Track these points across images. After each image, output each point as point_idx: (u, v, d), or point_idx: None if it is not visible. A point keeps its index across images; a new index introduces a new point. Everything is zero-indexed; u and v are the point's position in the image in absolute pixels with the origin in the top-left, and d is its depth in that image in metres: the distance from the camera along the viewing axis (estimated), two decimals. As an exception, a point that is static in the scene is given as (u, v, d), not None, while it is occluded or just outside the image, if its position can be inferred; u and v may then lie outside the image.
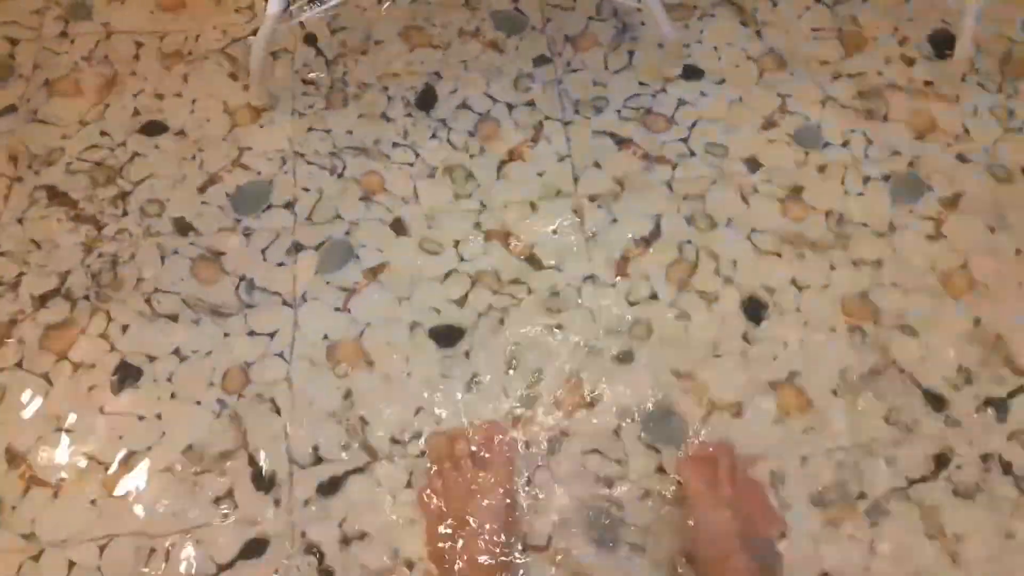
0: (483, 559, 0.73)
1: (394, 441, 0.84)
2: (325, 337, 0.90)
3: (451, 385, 0.87)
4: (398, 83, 1.06)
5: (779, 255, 0.94)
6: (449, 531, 0.76)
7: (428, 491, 0.79)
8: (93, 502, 0.81)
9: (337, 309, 0.91)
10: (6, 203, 0.98)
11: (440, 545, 0.76)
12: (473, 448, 0.80)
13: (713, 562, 0.71)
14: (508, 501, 0.77)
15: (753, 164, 1.00)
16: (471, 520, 0.74)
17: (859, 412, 0.85)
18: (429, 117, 1.04)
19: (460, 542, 0.74)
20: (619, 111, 1.04)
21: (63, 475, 0.83)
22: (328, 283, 0.93)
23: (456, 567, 0.73)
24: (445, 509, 0.77)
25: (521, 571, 0.77)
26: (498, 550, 0.74)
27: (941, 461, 0.83)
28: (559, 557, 0.78)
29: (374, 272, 0.94)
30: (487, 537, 0.74)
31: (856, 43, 1.09)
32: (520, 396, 0.86)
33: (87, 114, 1.05)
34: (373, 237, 0.96)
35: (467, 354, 0.88)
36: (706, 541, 0.73)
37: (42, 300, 0.92)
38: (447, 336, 0.90)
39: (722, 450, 0.79)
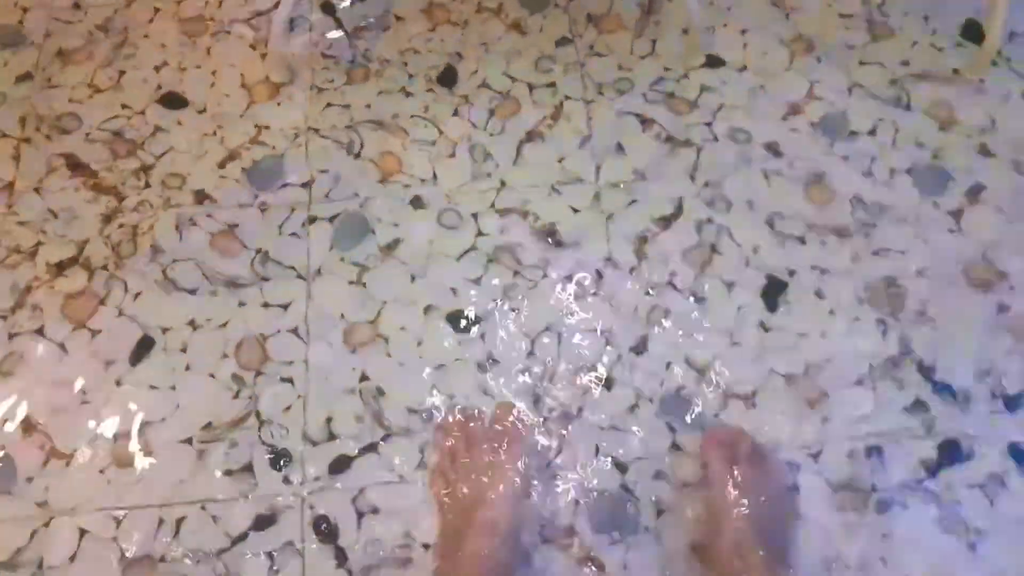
0: (493, 542, 0.72)
1: (411, 411, 0.84)
2: (342, 316, 0.89)
3: (466, 365, 0.86)
4: (420, 60, 1.05)
5: (802, 241, 0.93)
6: (459, 513, 0.75)
7: (439, 472, 0.78)
8: (104, 472, 0.82)
9: (351, 283, 0.91)
10: (18, 169, 0.99)
11: (450, 528, 0.75)
12: (484, 430, 0.80)
13: (727, 546, 0.70)
14: (519, 484, 0.76)
15: (775, 149, 0.98)
16: (481, 503, 0.74)
17: (877, 402, 0.84)
18: (452, 94, 1.03)
19: (470, 525, 0.73)
20: (644, 94, 1.03)
21: (77, 445, 0.83)
22: (343, 259, 0.92)
23: (467, 550, 0.72)
24: (455, 491, 0.76)
25: (532, 554, 0.77)
26: (508, 533, 0.73)
27: (959, 452, 0.81)
28: (573, 540, 0.78)
29: (390, 248, 0.93)
30: (497, 520, 0.73)
31: (883, 32, 1.07)
32: (535, 377, 0.85)
33: (104, 83, 1.04)
34: (390, 213, 0.95)
35: (483, 337, 0.88)
36: (720, 526, 0.72)
37: (59, 268, 0.92)
38: (463, 317, 0.89)
39: (740, 433, 0.78)
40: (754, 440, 0.78)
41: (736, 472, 0.74)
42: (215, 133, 1.01)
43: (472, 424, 0.80)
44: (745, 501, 0.71)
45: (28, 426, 0.84)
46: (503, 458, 0.77)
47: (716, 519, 0.73)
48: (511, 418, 0.81)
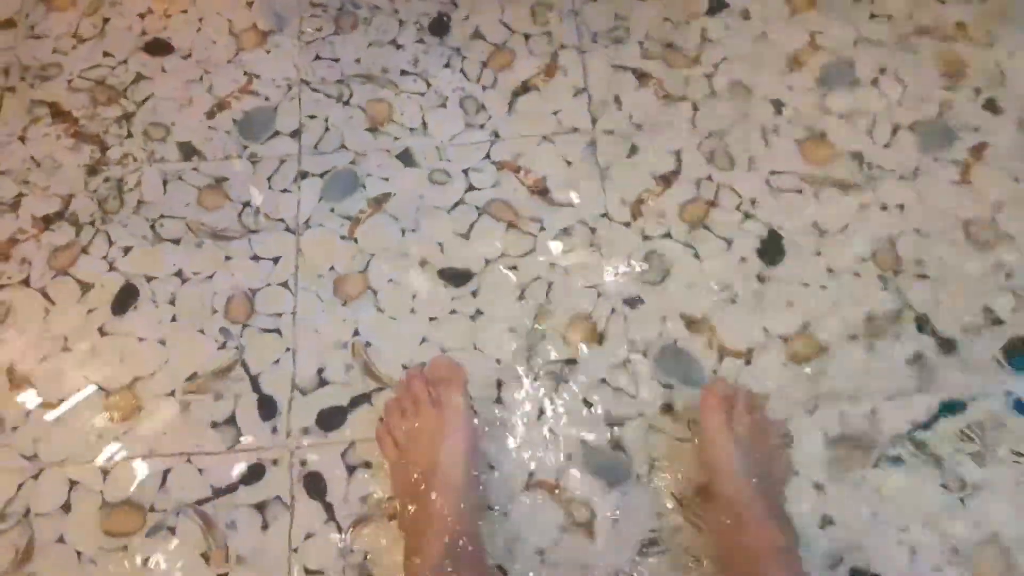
0: (446, 498, 0.69)
1: (404, 368, 0.83)
2: (331, 268, 0.88)
3: (457, 319, 0.85)
4: (410, 8, 1.02)
5: (799, 192, 0.91)
6: (411, 473, 0.72)
7: (386, 433, 0.76)
8: (94, 424, 0.81)
9: (343, 238, 0.89)
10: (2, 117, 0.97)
11: (404, 486, 0.73)
12: (424, 387, 0.76)
13: (723, 499, 0.69)
14: (469, 439, 0.73)
15: (777, 104, 0.96)
16: (431, 461, 0.71)
17: (874, 358, 0.83)
18: (443, 44, 1.00)
19: (423, 484, 0.70)
20: (641, 43, 1.00)
21: (65, 396, 0.82)
22: (333, 211, 0.91)
23: (423, 507, 0.70)
24: (405, 450, 0.74)
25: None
26: (461, 492, 0.70)
27: (955, 408, 0.80)
28: (563, 491, 0.77)
29: (379, 202, 0.91)
30: (448, 478, 0.70)
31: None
32: (527, 332, 0.84)
33: (87, 31, 1.02)
34: (380, 167, 0.93)
35: (474, 293, 0.86)
36: (718, 478, 0.71)
37: (46, 221, 0.91)
38: (455, 273, 0.88)
39: (738, 387, 0.77)
40: (751, 393, 0.77)
41: (733, 426, 0.72)
42: (201, 80, 0.99)
43: (414, 381, 0.77)
44: (742, 455, 0.70)
45: (14, 376, 0.83)
46: (445, 413, 0.74)
47: (712, 473, 0.72)
48: (449, 370, 0.76)
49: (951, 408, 0.80)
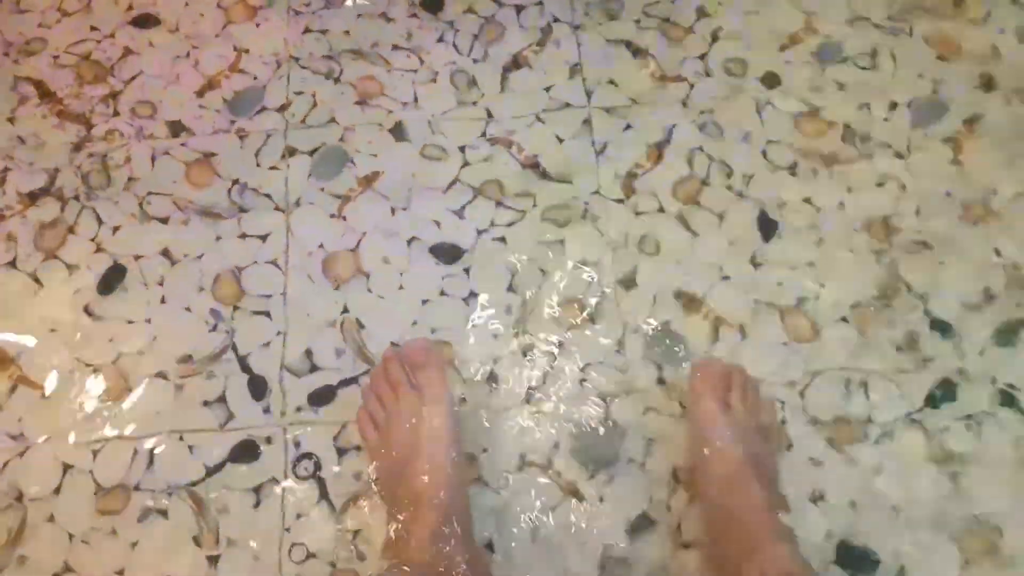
0: (430, 479, 0.69)
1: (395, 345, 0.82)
2: (320, 246, 0.87)
3: (449, 300, 0.84)
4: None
5: (794, 173, 0.90)
6: (393, 456, 0.72)
7: (367, 416, 0.75)
8: (82, 403, 0.80)
9: (332, 216, 0.88)
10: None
11: (386, 470, 0.73)
12: (403, 370, 0.74)
13: (715, 476, 0.69)
14: (449, 419, 0.72)
15: (772, 80, 0.95)
16: (412, 444, 0.70)
17: (868, 336, 0.82)
18: (437, 19, 0.99)
19: (406, 466, 0.70)
20: (637, 20, 0.98)
21: (52, 375, 0.81)
22: (322, 189, 0.90)
23: (406, 489, 0.69)
24: (385, 433, 0.73)
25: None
26: (445, 472, 0.69)
27: (949, 387, 0.80)
28: (555, 471, 0.77)
29: (368, 180, 0.90)
30: (432, 459, 0.69)
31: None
32: (520, 311, 0.84)
33: (72, 5, 1.00)
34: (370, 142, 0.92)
35: (467, 271, 0.86)
36: (710, 456, 0.70)
37: (31, 198, 0.89)
38: (446, 251, 0.87)
39: (731, 365, 0.77)
40: (744, 372, 0.77)
41: (726, 403, 0.72)
42: (188, 55, 0.97)
43: (390, 364, 0.75)
44: (733, 431, 0.70)
45: (1, 356, 0.82)
46: (425, 393, 0.73)
47: (703, 450, 0.71)
48: (426, 352, 0.75)
49: (946, 388, 0.80)
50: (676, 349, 0.82)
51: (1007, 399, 0.80)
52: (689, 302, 0.84)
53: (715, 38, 0.98)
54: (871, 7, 0.99)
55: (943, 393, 0.80)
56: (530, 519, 0.75)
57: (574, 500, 0.76)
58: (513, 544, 0.74)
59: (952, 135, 0.92)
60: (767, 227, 0.88)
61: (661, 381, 0.81)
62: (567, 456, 0.78)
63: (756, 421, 0.74)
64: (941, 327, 0.83)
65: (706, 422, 0.72)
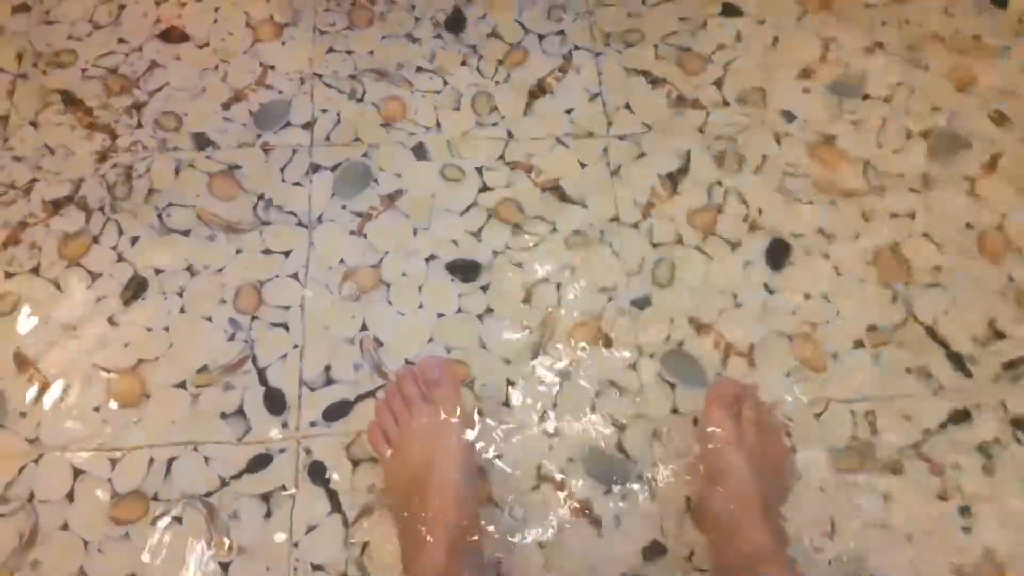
0: (442, 496, 0.69)
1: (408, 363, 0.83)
2: (341, 261, 0.88)
3: (465, 317, 0.85)
4: (426, 3, 1.03)
5: (810, 202, 0.91)
6: (406, 471, 0.72)
7: (378, 430, 0.75)
8: (98, 410, 0.81)
9: (352, 233, 0.89)
10: (12, 102, 0.96)
11: (399, 485, 0.72)
12: (417, 387, 0.75)
13: (724, 500, 0.69)
14: (464, 439, 0.73)
15: (789, 115, 0.96)
16: (426, 460, 0.71)
17: (880, 366, 0.83)
18: (459, 41, 1.00)
19: (419, 482, 0.70)
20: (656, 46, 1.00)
21: (70, 383, 0.82)
22: (344, 207, 0.91)
23: (419, 505, 0.69)
24: (399, 449, 0.73)
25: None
26: (458, 489, 0.69)
27: (960, 419, 0.81)
28: (567, 493, 0.77)
29: (391, 198, 0.91)
30: (444, 476, 0.69)
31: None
32: (535, 331, 0.84)
33: (102, 17, 1.02)
34: (393, 162, 0.93)
35: (484, 288, 0.87)
36: (720, 479, 0.71)
37: (55, 206, 0.91)
38: (464, 269, 0.88)
39: (745, 389, 0.77)
40: (756, 396, 0.77)
41: (739, 428, 0.72)
42: (217, 67, 0.99)
43: (404, 380, 0.76)
44: (745, 456, 0.70)
45: (21, 361, 0.83)
46: (440, 409, 0.73)
47: (716, 474, 0.72)
48: (440, 369, 0.75)
49: (957, 418, 0.81)
50: (689, 372, 0.83)
51: (1017, 429, 0.80)
52: (702, 327, 0.85)
53: (730, 68, 0.99)
54: (889, 37, 1.01)
55: (955, 423, 0.80)
56: (542, 539, 0.75)
57: (586, 521, 0.76)
58: (523, 563, 0.74)
59: (968, 168, 0.93)
60: (780, 253, 0.88)
61: (674, 404, 0.81)
62: (580, 477, 0.78)
63: (767, 444, 0.74)
64: (954, 358, 0.83)
65: (717, 444, 0.72)
